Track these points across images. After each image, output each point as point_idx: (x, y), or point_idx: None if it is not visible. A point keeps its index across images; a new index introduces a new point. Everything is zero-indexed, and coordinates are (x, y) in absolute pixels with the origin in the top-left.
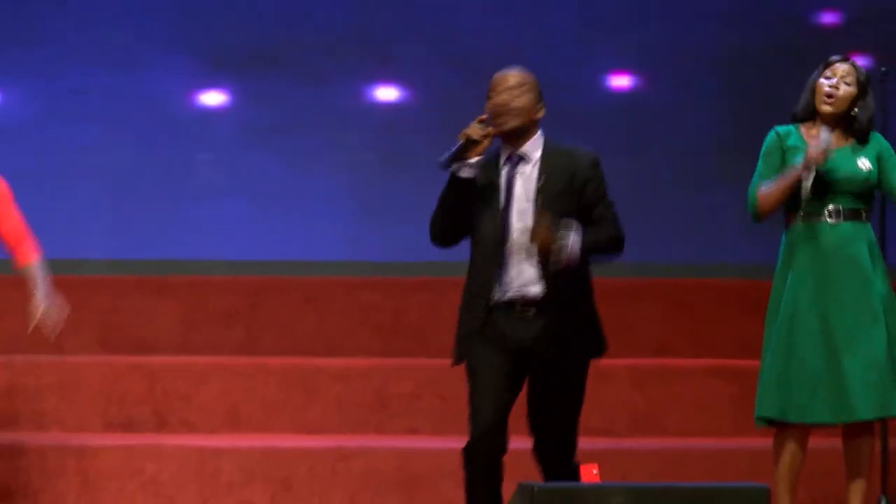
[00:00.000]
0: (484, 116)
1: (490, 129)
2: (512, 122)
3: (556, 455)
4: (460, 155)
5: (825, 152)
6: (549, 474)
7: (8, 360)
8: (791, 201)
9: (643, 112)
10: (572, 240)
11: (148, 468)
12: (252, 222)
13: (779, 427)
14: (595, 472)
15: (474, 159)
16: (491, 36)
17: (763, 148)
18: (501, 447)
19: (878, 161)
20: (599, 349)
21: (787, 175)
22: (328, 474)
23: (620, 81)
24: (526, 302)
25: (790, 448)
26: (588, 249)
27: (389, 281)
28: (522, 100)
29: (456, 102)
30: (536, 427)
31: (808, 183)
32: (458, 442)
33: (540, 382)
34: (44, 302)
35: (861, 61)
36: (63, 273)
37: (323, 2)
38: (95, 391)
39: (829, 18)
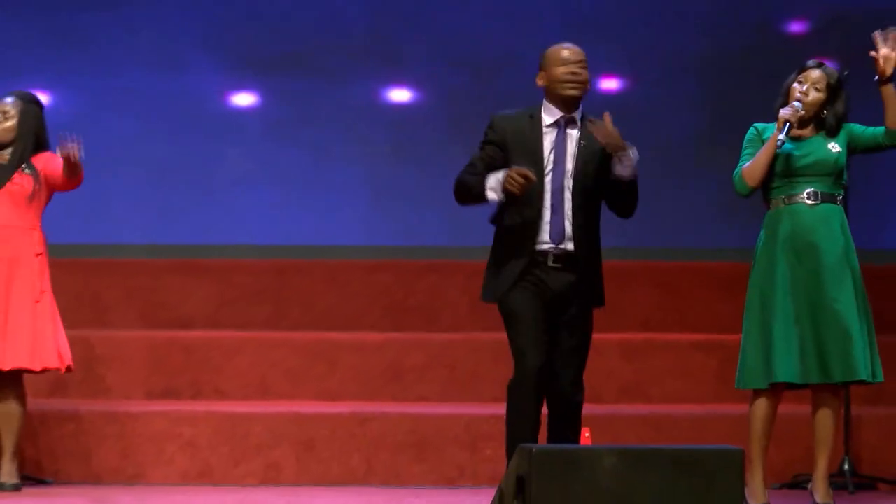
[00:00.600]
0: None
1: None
2: (579, 91)
3: (574, 390)
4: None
5: (796, 111)
6: (562, 412)
7: None
8: (772, 187)
9: (629, 110)
10: (635, 153)
11: (185, 432)
12: (277, 209)
13: (755, 392)
14: (587, 435)
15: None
16: (491, 41)
17: (745, 140)
18: (544, 385)
19: (849, 139)
20: (602, 300)
21: (766, 145)
22: (347, 437)
23: (609, 83)
24: (558, 255)
25: (763, 412)
26: (636, 175)
27: (401, 263)
28: (587, 73)
29: (459, 100)
30: (559, 367)
31: (782, 136)
32: (465, 408)
33: (566, 326)
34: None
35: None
36: (108, 256)
37: (342, 11)
38: (138, 363)
39: (796, 26)
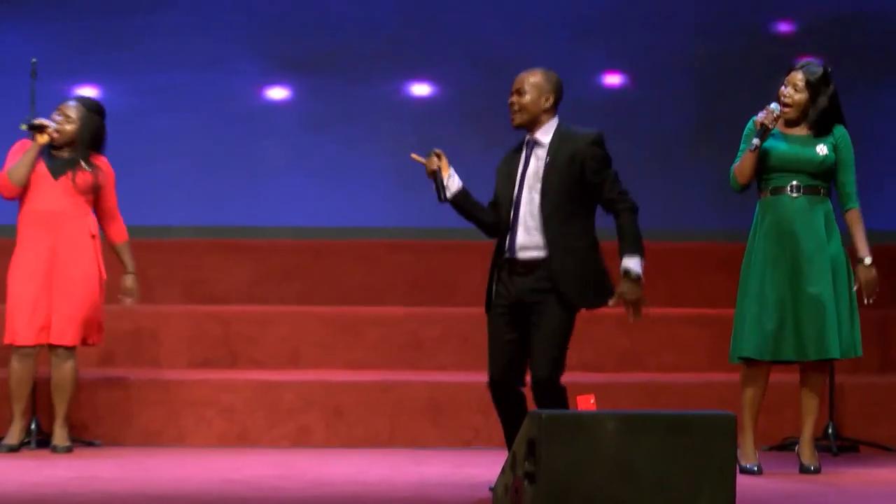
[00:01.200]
0: (438, 151)
1: (436, 161)
2: (518, 119)
3: (548, 376)
4: (440, 186)
5: (771, 113)
6: (539, 395)
7: (107, 309)
8: (763, 178)
9: (628, 104)
10: (637, 270)
11: (223, 398)
12: (309, 194)
13: (747, 363)
14: (592, 401)
15: (446, 180)
16: (504, 43)
17: (743, 134)
18: (507, 392)
19: (835, 151)
20: (585, 302)
21: (749, 148)
22: (371, 402)
23: (611, 80)
24: (523, 263)
25: (754, 382)
26: (639, 250)
27: (421, 243)
28: (526, 98)
29: (474, 97)
30: (536, 355)
31: (756, 141)
32: (479, 376)
33: (535, 323)
34: (132, 281)
35: None
36: (153, 237)
37: (369, 15)
38: (180, 335)
39: (783, 27)
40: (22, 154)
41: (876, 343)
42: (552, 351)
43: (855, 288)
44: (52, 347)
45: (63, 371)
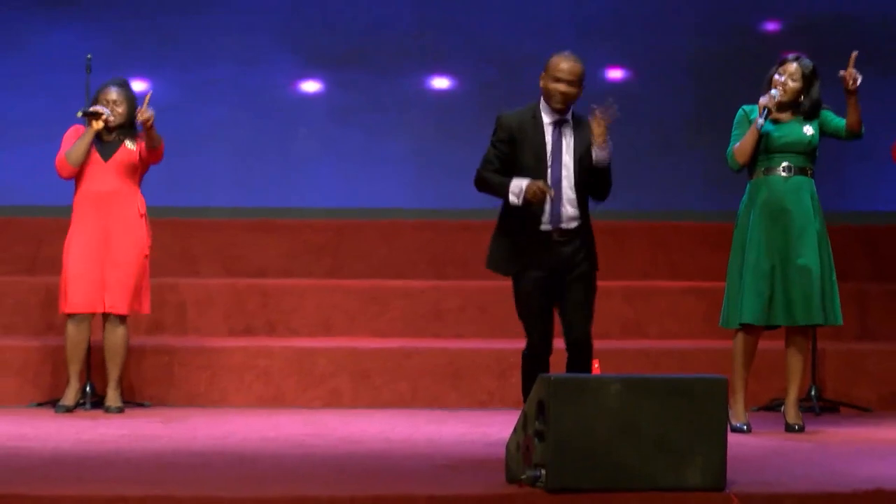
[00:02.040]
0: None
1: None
2: (566, 106)
3: (583, 335)
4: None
5: (773, 98)
6: (575, 355)
7: (155, 283)
8: (754, 161)
9: (631, 97)
10: (611, 145)
11: (261, 363)
12: (338, 178)
13: (745, 329)
14: (597, 365)
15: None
16: (516, 41)
17: (734, 121)
18: (546, 352)
19: (821, 123)
20: (596, 265)
21: (750, 129)
22: (396, 368)
23: (614, 74)
24: (560, 233)
25: (743, 348)
26: (609, 165)
27: (441, 223)
28: (577, 89)
29: (489, 90)
30: (570, 317)
31: (761, 120)
32: (495, 344)
33: (572, 286)
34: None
35: None
36: (198, 217)
37: (394, 15)
38: (222, 305)
39: (772, 27)
40: (77, 139)
41: (855, 313)
42: (589, 318)
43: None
44: (105, 316)
45: (116, 337)
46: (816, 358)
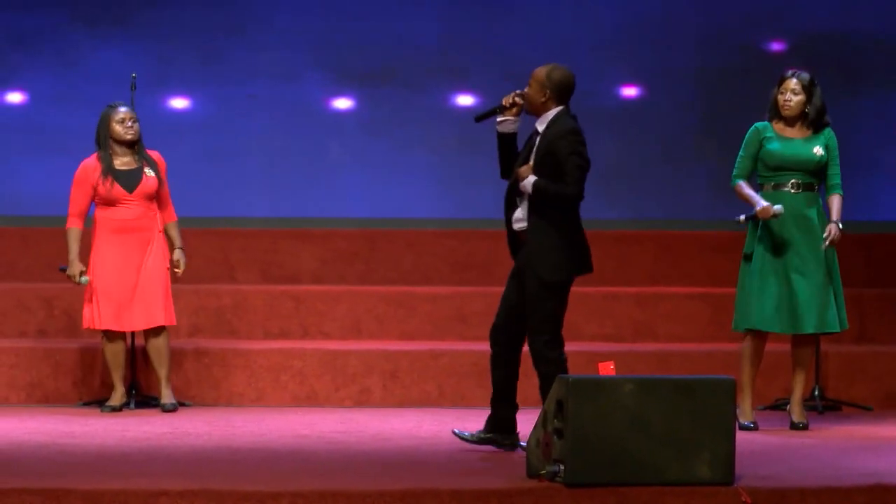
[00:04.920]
0: (518, 92)
1: (517, 100)
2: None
3: (532, 341)
4: (490, 114)
5: (767, 211)
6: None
7: (195, 288)
8: (764, 175)
9: (642, 110)
10: (530, 180)
11: (295, 364)
12: (368, 189)
13: (752, 333)
14: (612, 367)
15: (510, 119)
16: (535, 58)
17: (745, 139)
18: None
19: (827, 150)
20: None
21: (753, 200)
22: (423, 368)
23: (628, 91)
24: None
25: (752, 350)
26: (537, 191)
27: (465, 232)
28: (530, 91)
29: None
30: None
31: (743, 217)
32: None
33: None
34: (179, 255)
35: None
36: (236, 226)
37: (419, 35)
38: (258, 309)
39: (776, 46)
40: (83, 194)
41: (854, 317)
42: (536, 327)
43: (824, 236)
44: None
45: (157, 342)
46: (819, 359)
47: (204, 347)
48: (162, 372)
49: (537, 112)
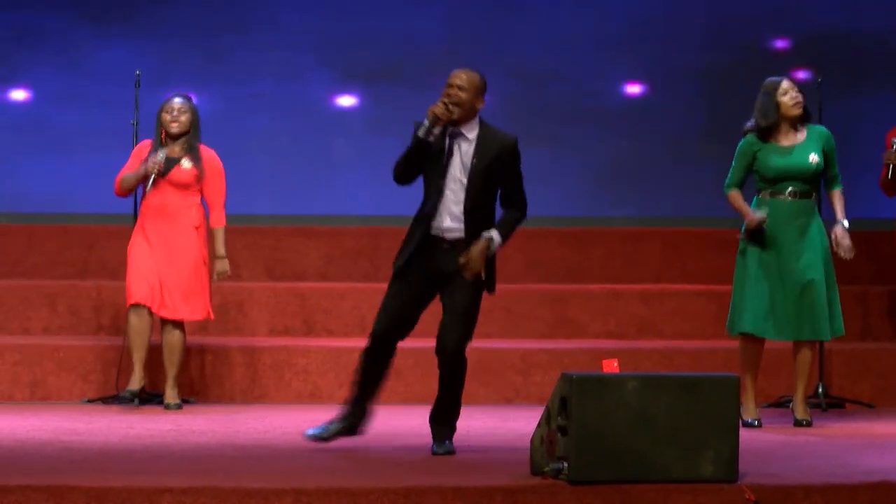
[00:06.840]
0: (453, 100)
1: (452, 109)
2: (457, 113)
3: (456, 349)
4: (431, 127)
5: (752, 223)
6: (446, 369)
7: None
8: (761, 180)
9: (646, 109)
10: (496, 240)
11: (300, 362)
12: (373, 186)
13: (741, 336)
14: (616, 364)
15: (437, 129)
16: (538, 56)
17: (737, 150)
18: (384, 349)
19: (824, 154)
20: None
21: (743, 212)
22: (427, 365)
23: (632, 89)
24: (445, 240)
25: (752, 349)
26: (505, 240)
27: None
28: (463, 95)
29: (513, 103)
30: (447, 329)
31: (742, 231)
32: (519, 343)
33: (450, 296)
34: (221, 265)
35: (802, 74)
36: (241, 224)
37: (424, 33)
38: (263, 307)
39: (780, 44)
40: (140, 160)
41: (858, 314)
42: (464, 333)
43: (833, 240)
44: (163, 319)
45: (174, 337)
46: (823, 357)
47: (208, 344)
48: (171, 369)
49: (467, 118)
